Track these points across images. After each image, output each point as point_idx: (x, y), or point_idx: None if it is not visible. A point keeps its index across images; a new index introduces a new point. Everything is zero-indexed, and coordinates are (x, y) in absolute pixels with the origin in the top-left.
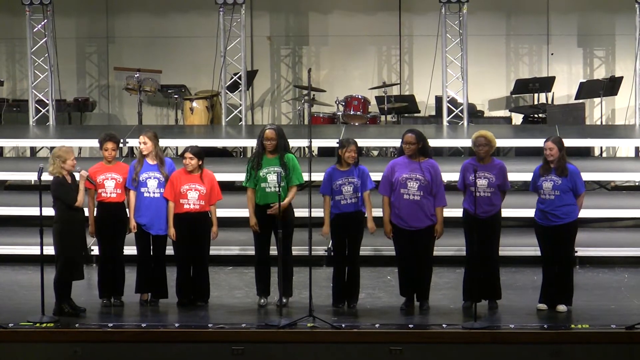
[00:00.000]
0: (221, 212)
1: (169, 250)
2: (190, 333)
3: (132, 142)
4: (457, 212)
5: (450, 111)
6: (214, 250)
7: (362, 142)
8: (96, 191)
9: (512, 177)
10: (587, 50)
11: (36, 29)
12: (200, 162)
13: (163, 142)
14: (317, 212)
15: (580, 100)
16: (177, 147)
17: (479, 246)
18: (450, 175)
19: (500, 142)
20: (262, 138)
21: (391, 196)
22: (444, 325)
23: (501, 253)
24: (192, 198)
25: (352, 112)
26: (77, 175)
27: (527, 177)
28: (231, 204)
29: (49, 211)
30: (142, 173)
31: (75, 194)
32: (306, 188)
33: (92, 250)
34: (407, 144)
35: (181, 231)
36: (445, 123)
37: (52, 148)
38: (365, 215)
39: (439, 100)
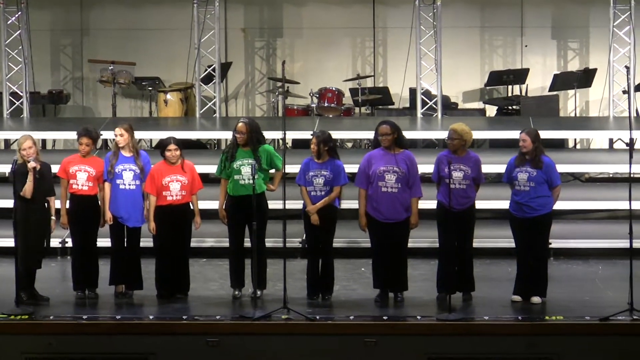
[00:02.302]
0: None
1: (144, 242)
2: (165, 325)
3: (106, 135)
4: (432, 204)
5: (424, 103)
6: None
7: (336, 134)
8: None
9: (487, 168)
10: (561, 42)
11: (10, 21)
12: (180, 153)
13: (138, 135)
14: (291, 204)
15: (555, 92)
16: (151, 140)
17: (453, 239)
18: (424, 167)
19: (475, 134)
20: (234, 131)
21: (368, 189)
22: (418, 317)
23: (475, 245)
24: (175, 189)
25: (326, 104)
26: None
27: (502, 168)
28: (206, 196)
29: None
30: (117, 165)
31: (24, 183)
32: (280, 180)
33: (67, 242)
34: (382, 135)
35: (163, 223)
36: (419, 115)
37: None
38: (338, 208)
39: (413, 92)
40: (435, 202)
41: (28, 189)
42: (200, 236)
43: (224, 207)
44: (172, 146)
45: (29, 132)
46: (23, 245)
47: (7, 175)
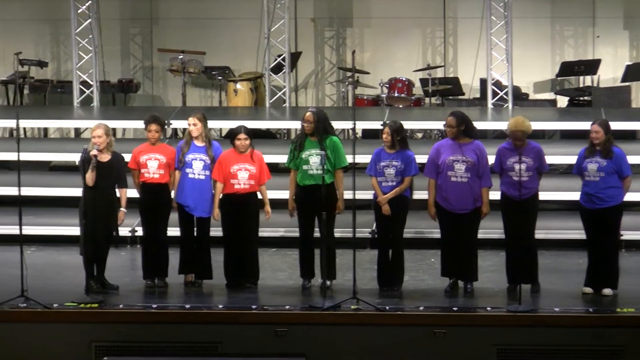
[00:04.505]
0: None
1: (213, 232)
2: (233, 315)
3: (176, 124)
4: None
5: (494, 94)
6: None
7: (406, 125)
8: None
9: (558, 159)
10: (633, 32)
11: (80, 10)
12: (250, 142)
13: (208, 124)
14: (361, 194)
15: (626, 83)
16: (220, 129)
17: (517, 229)
18: (495, 158)
19: (545, 125)
20: (302, 120)
21: (438, 179)
22: (488, 308)
23: (545, 236)
24: (242, 178)
25: (396, 95)
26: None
27: (572, 160)
28: (275, 185)
29: None
30: (188, 154)
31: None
32: (350, 170)
33: (137, 231)
34: (447, 126)
35: (230, 212)
36: (489, 106)
37: None
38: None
39: (483, 82)
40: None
41: (89, 177)
42: (270, 226)
43: (293, 197)
44: (242, 135)
45: (99, 121)
46: (89, 234)
47: (76, 163)
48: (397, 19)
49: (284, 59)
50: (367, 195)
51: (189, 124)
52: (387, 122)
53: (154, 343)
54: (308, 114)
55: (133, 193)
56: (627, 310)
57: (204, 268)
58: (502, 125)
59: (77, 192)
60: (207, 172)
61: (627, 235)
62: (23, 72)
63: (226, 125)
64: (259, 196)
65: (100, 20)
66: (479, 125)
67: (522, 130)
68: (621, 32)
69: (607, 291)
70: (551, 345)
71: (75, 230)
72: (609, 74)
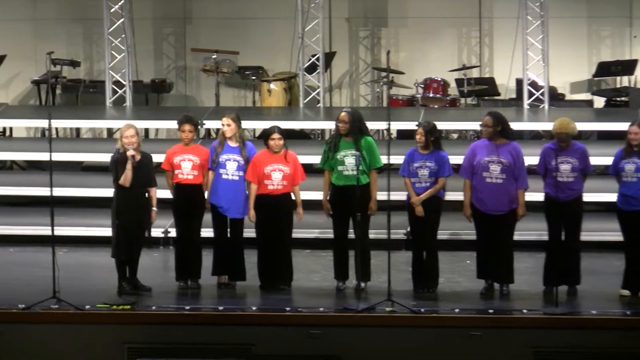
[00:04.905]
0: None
1: (247, 233)
2: (267, 316)
3: (209, 124)
4: (538, 197)
5: (530, 94)
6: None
7: (441, 125)
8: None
9: (594, 161)
10: None
11: (113, 9)
12: (284, 142)
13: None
14: (395, 195)
15: None
16: (254, 129)
17: (560, 231)
18: (531, 159)
19: (582, 126)
20: (337, 120)
21: (473, 179)
22: (524, 310)
23: (583, 238)
24: (276, 179)
25: (431, 95)
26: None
27: (609, 161)
28: (309, 186)
29: None
30: (222, 154)
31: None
32: (385, 171)
33: (169, 232)
34: (483, 125)
35: (264, 213)
36: (525, 106)
37: None
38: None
39: (519, 83)
40: (541, 194)
41: (127, 177)
42: (304, 227)
43: (327, 198)
44: (276, 135)
45: (132, 121)
46: (121, 235)
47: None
48: (433, 19)
49: (318, 59)
50: (401, 196)
51: (223, 124)
52: (421, 122)
53: (186, 345)
54: (343, 114)
55: (165, 194)
56: None
57: (238, 269)
58: (538, 126)
59: (110, 192)
60: (241, 173)
61: None
62: (55, 72)
63: (260, 125)
64: (293, 197)
65: (133, 19)
66: (514, 126)
67: (566, 133)
68: None
69: None
70: (588, 348)
71: (107, 231)
72: None
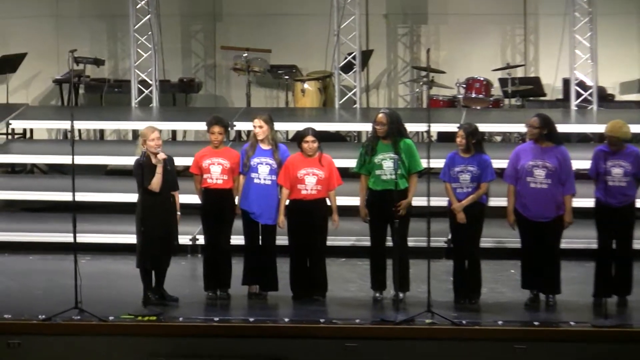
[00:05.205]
0: None
1: (279, 241)
2: (300, 328)
3: (240, 126)
4: (587, 202)
5: (578, 95)
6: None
7: (484, 127)
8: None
9: None
10: None
11: (139, 5)
12: (318, 145)
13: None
14: (436, 201)
15: None
16: (287, 131)
17: (612, 239)
18: (578, 163)
19: (633, 128)
20: (374, 122)
21: (517, 184)
22: (571, 322)
23: (635, 246)
24: (310, 183)
25: (473, 95)
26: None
27: None
28: (345, 191)
29: None
30: (253, 158)
31: (151, 176)
32: (425, 175)
33: (197, 239)
34: (529, 126)
35: (297, 219)
36: (573, 107)
37: None
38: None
39: (566, 83)
40: (590, 199)
41: (157, 181)
42: (339, 234)
43: (364, 204)
44: (309, 137)
45: (158, 122)
46: (149, 242)
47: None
48: (475, 16)
49: (354, 58)
50: (442, 202)
51: (254, 126)
52: (462, 124)
53: (215, 358)
54: (381, 115)
55: (193, 199)
56: None
57: (269, 279)
58: (586, 129)
59: (135, 197)
60: (274, 177)
61: None
62: (78, 71)
63: (293, 127)
64: (328, 203)
65: (160, 16)
66: (561, 128)
67: (617, 137)
68: None
69: None
70: None
71: (132, 238)
72: None
